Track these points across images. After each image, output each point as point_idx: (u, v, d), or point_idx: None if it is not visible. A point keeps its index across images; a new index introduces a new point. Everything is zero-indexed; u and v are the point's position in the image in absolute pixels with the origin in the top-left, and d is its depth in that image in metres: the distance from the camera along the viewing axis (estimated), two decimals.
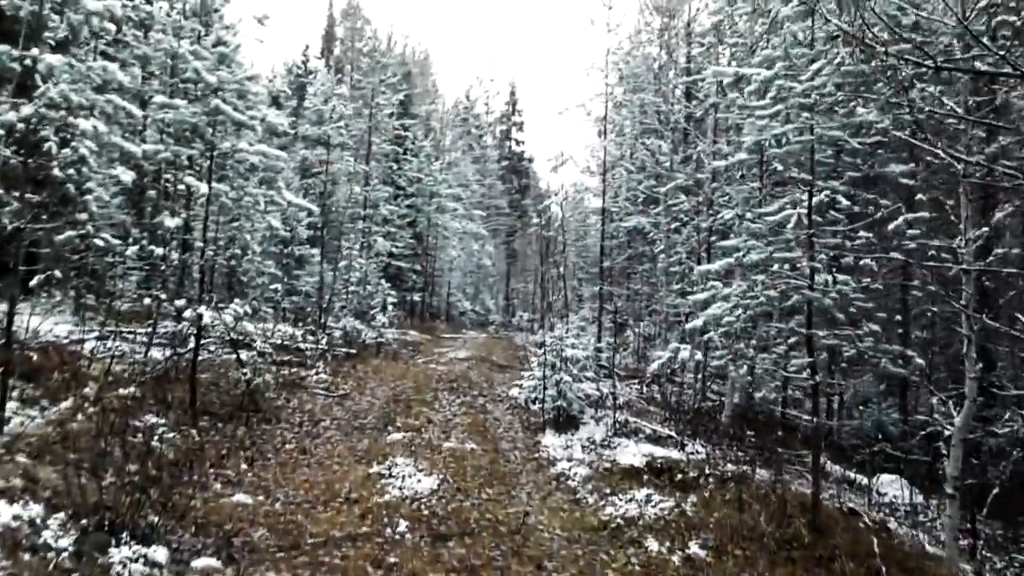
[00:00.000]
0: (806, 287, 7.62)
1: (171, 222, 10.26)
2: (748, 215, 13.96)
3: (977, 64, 6.13)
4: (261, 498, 8.57)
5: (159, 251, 10.44)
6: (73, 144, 8.36)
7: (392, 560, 7.03)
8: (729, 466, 11.26)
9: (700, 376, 14.61)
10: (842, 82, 7.06)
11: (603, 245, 22.02)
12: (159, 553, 6.30)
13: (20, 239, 8.14)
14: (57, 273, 9.54)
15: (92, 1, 8.63)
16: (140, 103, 16.49)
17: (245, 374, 11.53)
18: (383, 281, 24.34)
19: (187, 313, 10.24)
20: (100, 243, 9.94)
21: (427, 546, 7.50)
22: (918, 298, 15.58)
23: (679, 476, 10.55)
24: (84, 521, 6.69)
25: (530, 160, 66.24)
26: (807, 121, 7.29)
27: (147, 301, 11.63)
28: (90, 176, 9.16)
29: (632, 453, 11.57)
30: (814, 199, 8.28)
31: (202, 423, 10.81)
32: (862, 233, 8.11)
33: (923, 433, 9.59)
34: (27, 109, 7.35)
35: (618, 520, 8.56)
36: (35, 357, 11.28)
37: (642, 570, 7.35)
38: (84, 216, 9.60)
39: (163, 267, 11.88)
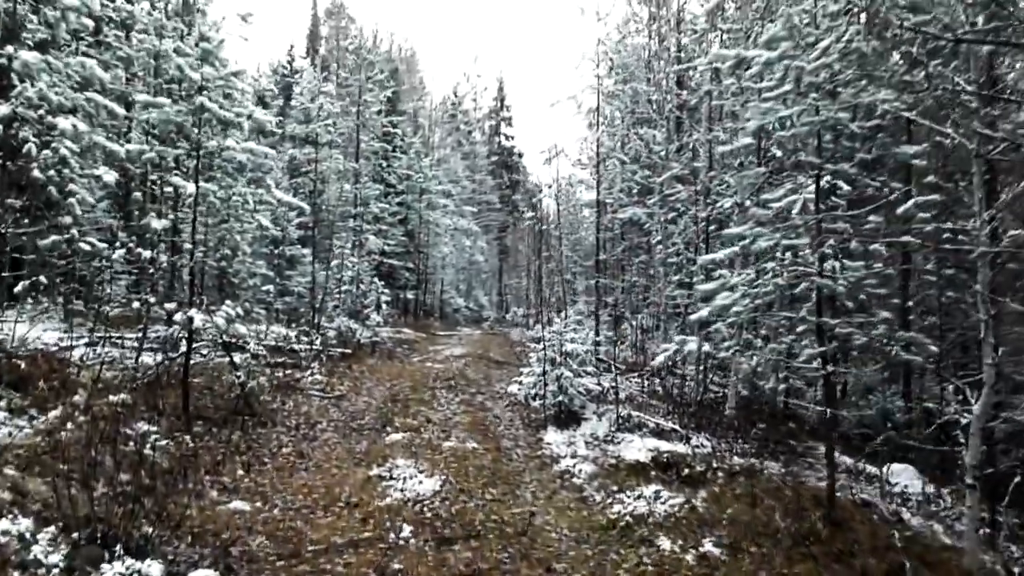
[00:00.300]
0: (815, 274, 7.40)
1: (157, 224, 9.95)
2: (750, 202, 13.76)
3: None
4: (259, 504, 8.31)
5: (146, 254, 10.13)
6: (53, 145, 8.04)
7: (396, 566, 6.78)
8: (736, 459, 11.05)
9: (702, 368, 14.38)
10: (850, 61, 6.82)
11: (599, 237, 21.78)
12: (154, 568, 6.03)
13: (2, 244, 7.85)
14: (43, 279, 9.20)
15: None
16: (125, 105, 16.17)
17: (239, 377, 11.25)
18: (376, 280, 24.05)
19: (177, 316, 9.96)
20: (86, 247, 9.61)
21: (432, 550, 7.25)
22: (919, 283, 15.42)
23: (686, 471, 10.32)
24: (75, 535, 6.41)
25: (520, 155, 65.97)
26: (815, 101, 7.06)
27: (136, 305, 11.26)
28: (72, 178, 8.86)
29: (637, 448, 11.34)
30: (809, 183, 8.11)
31: (196, 428, 10.52)
32: (871, 217, 7.89)
33: (939, 421, 9.36)
34: (3, 109, 7.04)
35: (627, 518, 8.32)
36: (23, 365, 10.98)
37: (655, 570, 7.12)
38: (68, 220, 9.25)
39: (151, 270, 11.54)
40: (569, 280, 29.47)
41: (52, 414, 9.56)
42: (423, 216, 37.75)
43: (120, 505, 7.38)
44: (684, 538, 7.75)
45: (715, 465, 10.53)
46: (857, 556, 7.22)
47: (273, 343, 17.09)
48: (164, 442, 9.47)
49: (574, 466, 10.61)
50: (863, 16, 7.01)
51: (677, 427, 12.79)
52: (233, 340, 12.31)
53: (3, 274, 10.73)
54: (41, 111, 7.29)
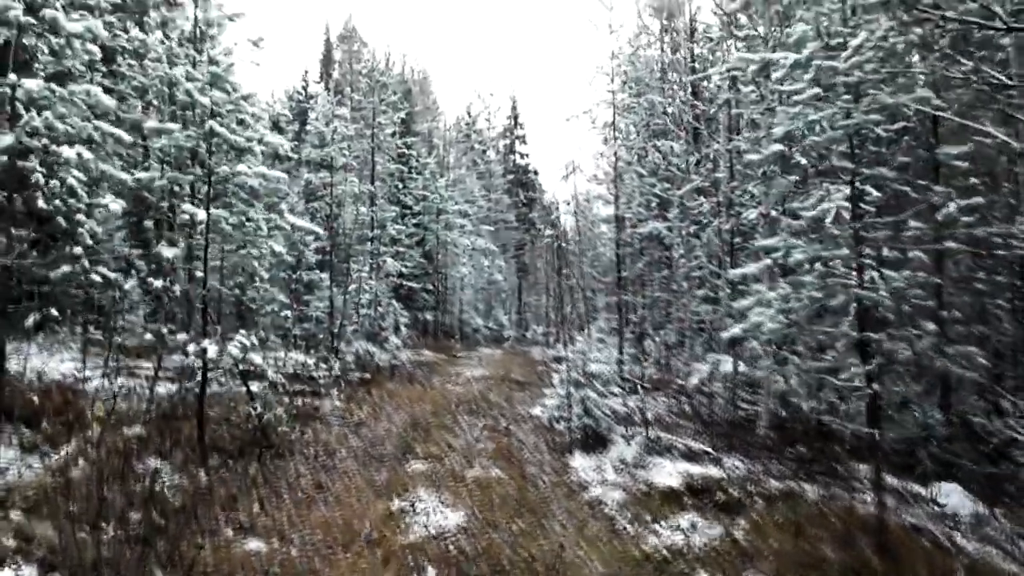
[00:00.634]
0: (856, 285, 6.97)
1: (169, 252, 9.70)
2: (775, 211, 13.32)
3: None
4: (276, 543, 7.95)
5: (157, 283, 9.88)
6: (61, 175, 7.80)
7: None
8: (773, 482, 10.56)
9: (731, 386, 13.90)
10: (884, 59, 6.45)
11: (618, 253, 21.35)
12: None
13: (7, 276, 7.60)
14: (54, 311, 8.96)
15: (71, 23, 8.09)
16: (141, 135, 16.06)
17: (255, 408, 10.93)
18: (394, 302, 23.80)
19: (191, 348, 9.67)
20: (97, 278, 9.36)
21: None
22: (952, 291, 14.87)
23: (721, 496, 9.86)
24: None
25: (535, 172, 65.79)
26: (846, 104, 6.67)
27: (148, 336, 11.01)
28: (80, 208, 8.64)
29: (668, 472, 10.89)
30: (844, 190, 7.70)
31: (211, 462, 10.21)
32: (912, 223, 7.46)
33: (998, 439, 8.83)
34: (7, 139, 6.80)
35: (663, 552, 7.87)
36: (36, 400, 10.75)
37: None
38: (79, 250, 9.02)
39: (165, 299, 11.29)
40: (589, 297, 29.04)
41: (64, 451, 9.30)
42: (440, 237, 37.53)
43: (130, 547, 7.07)
44: (725, 573, 7.29)
45: (751, 489, 10.06)
46: None
47: (291, 370, 16.82)
48: (177, 478, 9.21)
49: (603, 493, 10.18)
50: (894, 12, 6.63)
51: (708, 449, 12.31)
52: (252, 368, 12.03)
53: (19, 305, 10.52)
54: (46, 141, 7.07)
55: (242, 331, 10.28)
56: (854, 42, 6.40)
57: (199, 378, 10.84)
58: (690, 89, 20.08)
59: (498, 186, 56.52)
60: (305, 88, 53.83)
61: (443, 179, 38.93)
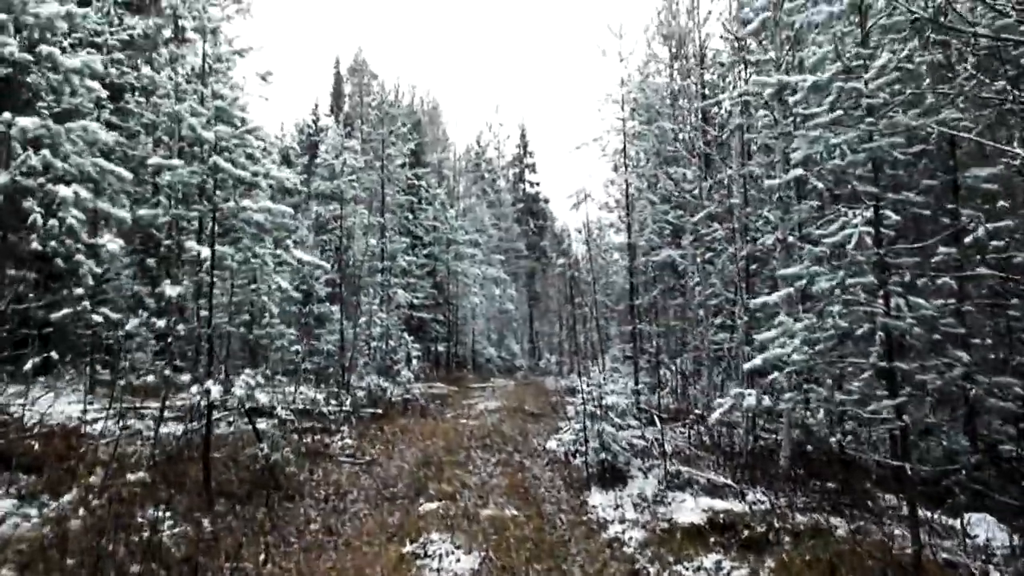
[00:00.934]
0: (883, 314, 6.65)
1: (173, 290, 9.50)
2: (792, 237, 13.01)
3: None
4: None
5: (160, 323, 9.66)
6: (60, 215, 7.61)
7: None
8: (799, 516, 10.14)
9: (750, 416, 13.50)
10: (908, 80, 6.20)
11: (632, 282, 21.06)
12: None
13: (5, 319, 7.40)
14: (54, 354, 8.74)
15: (69, 59, 7.97)
16: (147, 172, 16.01)
17: (262, 449, 10.64)
18: (406, 334, 23.52)
19: (193, 389, 9.41)
20: (99, 318, 9.15)
21: None
22: (976, 316, 14.47)
23: (745, 532, 9.46)
24: None
25: (546, 201, 65.69)
26: (870, 126, 6.40)
27: (151, 378, 10.78)
28: (78, 248, 8.46)
29: (690, 508, 10.49)
30: (866, 215, 7.40)
31: (218, 507, 9.89)
32: (941, 249, 7.15)
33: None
34: (2, 178, 6.63)
35: None
36: (36, 445, 10.50)
37: None
38: (80, 291, 8.81)
39: (169, 339, 11.07)
40: (602, 325, 28.70)
41: (64, 499, 9.02)
42: (451, 267, 37.38)
43: None
44: None
45: (777, 525, 9.65)
46: None
47: (301, 406, 16.54)
48: (181, 526, 8.90)
49: (623, 532, 9.79)
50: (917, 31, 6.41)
51: (730, 481, 11.92)
52: (262, 406, 11.78)
53: (20, 349, 10.34)
54: (42, 179, 6.90)
55: (247, 370, 10.03)
56: (877, 63, 6.15)
57: (204, 419, 10.58)
58: (701, 115, 19.89)
59: (508, 215, 56.49)
60: (315, 121, 54.20)
61: (453, 209, 38.88)
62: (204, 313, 10.02)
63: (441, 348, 37.66)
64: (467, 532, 9.57)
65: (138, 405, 14.79)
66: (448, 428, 18.09)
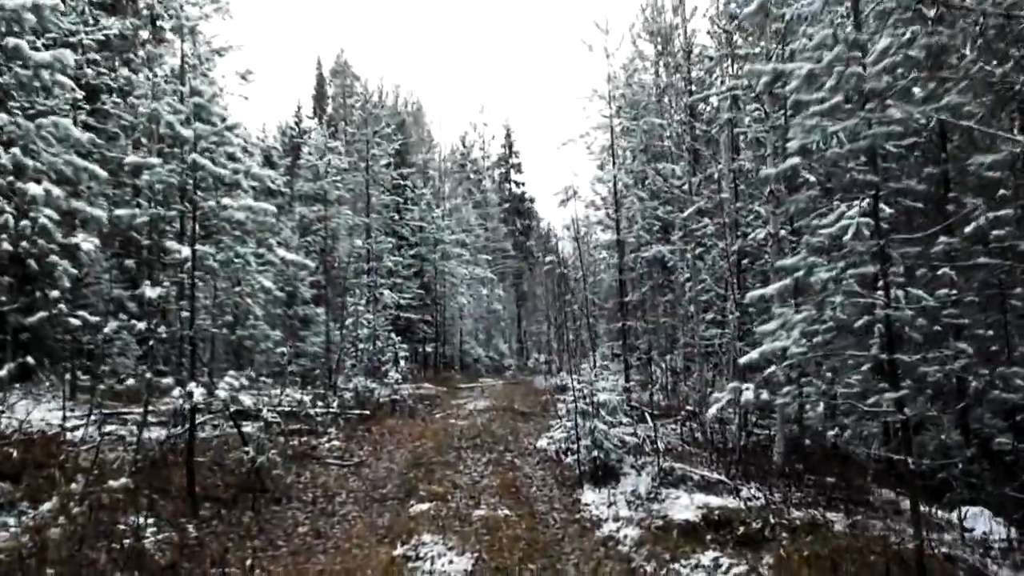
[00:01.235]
0: (885, 305, 6.51)
1: (152, 292, 9.24)
2: (784, 231, 12.91)
3: None
4: None
5: (140, 325, 9.40)
6: (32, 215, 7.35)
7: None
8: (795, 512, 10.02)
9: (743, 412, 13.38)
10: (911, 64, 6.07)
11: (621, 279, 20.93)
12: None
13: None
14: (30, 359, 8.47)
15: (38, 53, 7.69)
16: (126, 173, 15.70)
17: (248, 452, 10.41)
18: (393, 335, 23.28)
19: (176, 392, 9.16)
20: (76, 321, 8.88)
21: None
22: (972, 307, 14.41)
23: (741, 529, 9.31)
24: None
25: (531, 200, 65.57)
26: (869, 113, 6.27)
27: (132, 382, 10.51)
28: (52, 248, 8.18)
29: (684, 505, 10.34)
30: (863, 205, 7.28)
31: (203, 512, 9.65)
32: (942, 239, 7.01)
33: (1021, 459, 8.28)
34: None
35: None
36: (14, 453, 10.22)
37: None
38: (56, 294, 8.54)
39: (152, 342, 10.81)
40: (591, 324, 28.57)
41: (44, 507, 8.74)
42: (438, 267, 37.16)
43: None
44: None
45: (773, 521, 9.51)
46: None
47: (288, 409, 16.29)
48: (165, 532, 8.65)
49: (618, 530, 9.63)
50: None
51: (724, 478, 11.78)
52: (248, 408, 11.54)
53: None
54: (11, 177, 6.65)
55: (231, 371, 9.79)
56: (878, 46, 6.01)
57: (188, 423, 10.33)
58: (688, 111, 19.80)
59: (494, 215, 56.31)
60: (298, 123, 53.79)
61: (439, 209, 38.64)
62: (186, 315, 9.77)
63: (429, 349, 37.45)
64: (459, 533, 9.37)
65: (120, 410, 14.51)
66: (437, 428, 17.88)
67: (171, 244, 9.18)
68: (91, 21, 18.59)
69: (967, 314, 8.11)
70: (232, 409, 10.81)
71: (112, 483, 9.79)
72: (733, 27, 14.86)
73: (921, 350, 7.29)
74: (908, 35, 5.96)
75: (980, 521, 10.87)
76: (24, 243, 7.51)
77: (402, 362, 22.42)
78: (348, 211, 27.58)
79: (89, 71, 17.40)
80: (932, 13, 6.10)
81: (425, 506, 10.67)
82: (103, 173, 9.35)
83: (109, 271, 17.64)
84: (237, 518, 9.68)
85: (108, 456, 11.37)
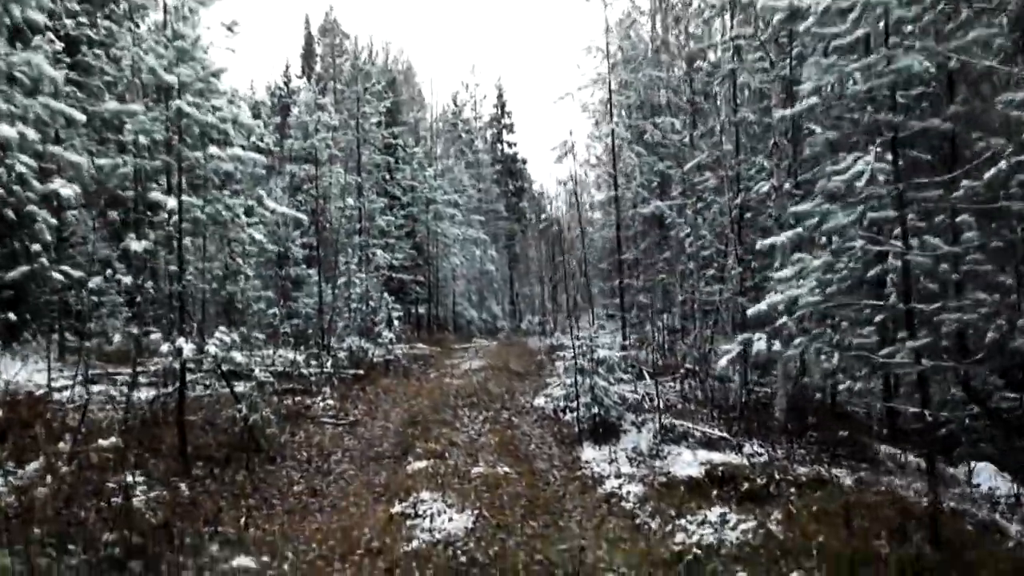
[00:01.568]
0: (904, 252, 6.23)
1: (137, 246, 8.87)
2: (788, 183, 12.58)
3: None
4: (266, 559, 7.18)
5: (127, 280, 9.04)
6: (8, 161, 6.95)
7: None
8: (800, 468, 9.88)
9: (745, 367, 13.19)
10: None
11: (619, 235, 20.60)
12: None
13: None
14: (11, 316, 8.12)
15: None
16: (109, 126, 15.15)
17: (240, 411, 10.14)
18: (386, 295, 22.93)
19: (164, 348, 8.85)
20: (59, 276, 8.52)
21: None
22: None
23: (745, 485, 9.18)
24: None
25: (524, 161, 64.70)
26: (892, 50, 5.91)
27: (118, 338, 10.18)
28: (30, 196, 7.77)
29: (687, 462, 10.19)
30: (877, 150, 6.96)
31: (196, 471, 9.42)
32: (964, 183, 6.69)
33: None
34: None
35: (694, 550, 7.11)
36: (0, 413, 9.91)
37: None
38: (37, 247, 8.16)
39: (138, 298, 10.47)
40: (586, 283, 28.31)
41: (30, 467, 8.49)
42: (430, 227, 36.65)
43: (101, 573, 6.32)
44: (768, 573, 6.57)
45: (778, 477, 9.38)
46: None
47: (281, 369, 16.00)
48: (157, 491, 8.41)
49: (620, 487, 9.45)
50: None
51: (726, 435, 11.62)
52: (238, 368, 11.26)
53: None
54: None
55: (222, 328, 9.48)
56: None
57: (178, 382, 10.04)
58: (688, 62, 19.30)
59: (487, 176, 55.52)
60: (287, 83, 52.65)
61: (431, 169, 38.02)
62: (173, 269, 9.42)
63: (422, 310, 37.12)
64: (458, 490, 9.17)
65: (110, 371, 14.19)
66: (433, 388, 17.67)
67: (156, 195, 8.78)
68: None
69: (990, 261, 7.82)
70: (224, 368, 10.53)
71: (101, 442, 9.53)
72: None
73: (937, 299, 7.02)
74: None
75: (984, 476, 10.78)
76: (1, 191, 7.11)
77: (396, 322, 22.11)
78: (339, 170, 27.00)
79: (69, 22, 16.72)
80: None
81: (422, 464, 10.46)
82: (80, 116, 8.89)
83: (95, 228, 17.18)
84: (231, 477, 9.45)
85: (97, 416, 11.10)
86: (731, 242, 14.82)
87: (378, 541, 7.59)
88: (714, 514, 8.00)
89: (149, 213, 14.65)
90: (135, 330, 9.69)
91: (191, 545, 7.28)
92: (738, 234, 14.75)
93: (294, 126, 30.01)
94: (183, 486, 8.67)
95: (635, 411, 12.94)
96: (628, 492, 9.19)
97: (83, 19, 17.61)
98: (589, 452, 11.24)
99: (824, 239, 8.69)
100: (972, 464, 10.29)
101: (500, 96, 63.41)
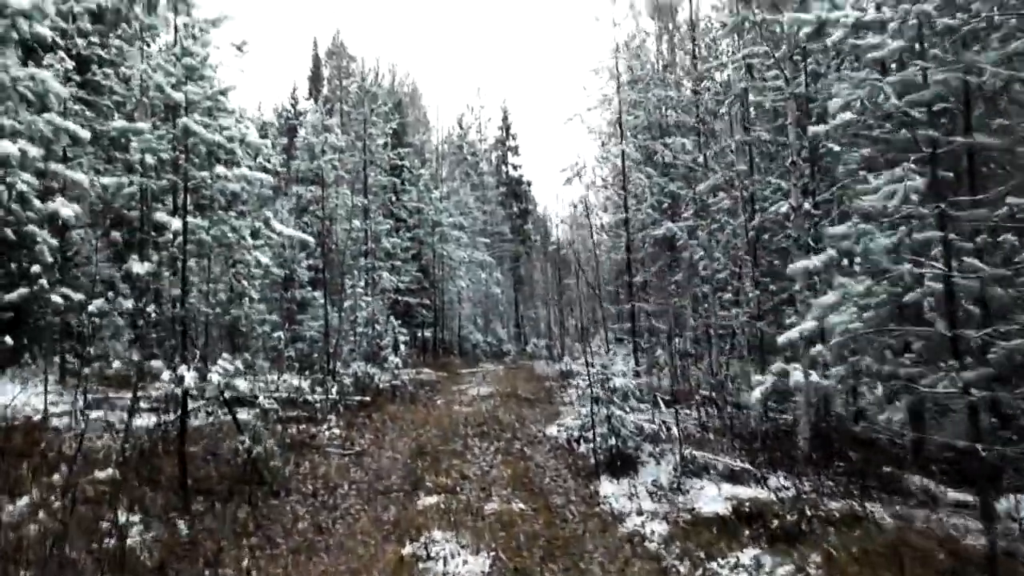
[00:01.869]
0: (949, 274, 5.82)
1: (139, 267, 8.52)
2: (807, 205, 12.20)
3: None
4: None
5: (128, 304, 8.66)
6: (8, 179, 6.60)
7: None
8: (832, 503, 9.38)
9: (763, 397, 12.70)
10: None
11: (629, 258, 20.23)
12: None
13: None
14: (8, 339, 7.74)
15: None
16: (117, 145, 14.88)
17: (243, 441, 9.71)
18: (392, 319, 22.55)
19: (165, 376, 8.45)
20: (59, 299, 8.13)
21: None
22: None
23: (775, 522, 8.65)
24: None
25: (529, 184, 64.56)
26: (940, 59, 5.55)
27: (117, 365, 9.79)
28: (30, 216, 7.42)
29: (711, 497, 9.70)
30: (913, 167, 6.58)
31: (195, 506, 8.96)
32: (1010, 199, 6.29)
33: None
34: None
35: None
36: None
37: None
38: (37, 269, 7.79)
39: (140, 322, 10.09)
40: (594, 306, 27.86)
41: (21, 501, 8.06)
42: (436, 250, 36.35)
43: None
44: None
45: (809, 513, 8.85)
46: None
47: (285, 395, 15.57)
48: (155, 529, 7.96)
49: (642, 525, 8.96)
50: None
51: (749, 466, 11.13)
52: (240, 396, 10.84)
53: None
54: None
55: (225, 355, 9.08)
56: None
57: (181, 410, 9.63)
58: (698, 81, 19.02)
59: (492, 198, 55.36)
60: (294, 105, 52.62)
61: (437, 191, 37.78)
62: (177, 292, 9.04)
63: (428, 333, 36.73)
64: (472, 529, 8.70)
65: (111, 395, 13.77)
66: (441, 415, 17.21)
67: (160, 216, 8.43)
68: None
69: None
70: (227, 395, 10.11)
71: (98, 474, 9.12)
72: None
73: (980, 325, 6.59)
74: None
75: None
76: (0, 211, 6.77)
77: (402, 347, 21.72)
78: (346, 191, 26.74)
79: (80, 41, 16.51)
80: None
81: (433, 499, 10.00)
82: (85, 134, 8.56)
83: (97, 249, 16.83)
84: (232, 513, 8.98)
85: (95, 444, 10.69)
86: (746, 264, 14.41)
87: None
88: (747, 556, 7.52)
89: (154, 234, 14.39)
90: (136, 356, 9.26)
91: None
92: (754, 256, 14.35)
93: (301, 147, 29.80)
94: (181, 523, 8.22)
95: (652, 441, 12.47)
96: (652, 531, 8.69)
97: (94, 39, 17.44)
98: (607, 486, 10.75)
99: (848, 262, 8.32)
100: (1018, 498, 9.74)
101: (505, 118, 63.37)
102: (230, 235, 9.19)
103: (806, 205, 12.19)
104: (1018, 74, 6.27)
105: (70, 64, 14.34)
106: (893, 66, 6.97)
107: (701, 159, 16.92)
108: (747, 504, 9.22)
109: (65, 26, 16.70)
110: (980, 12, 5.48)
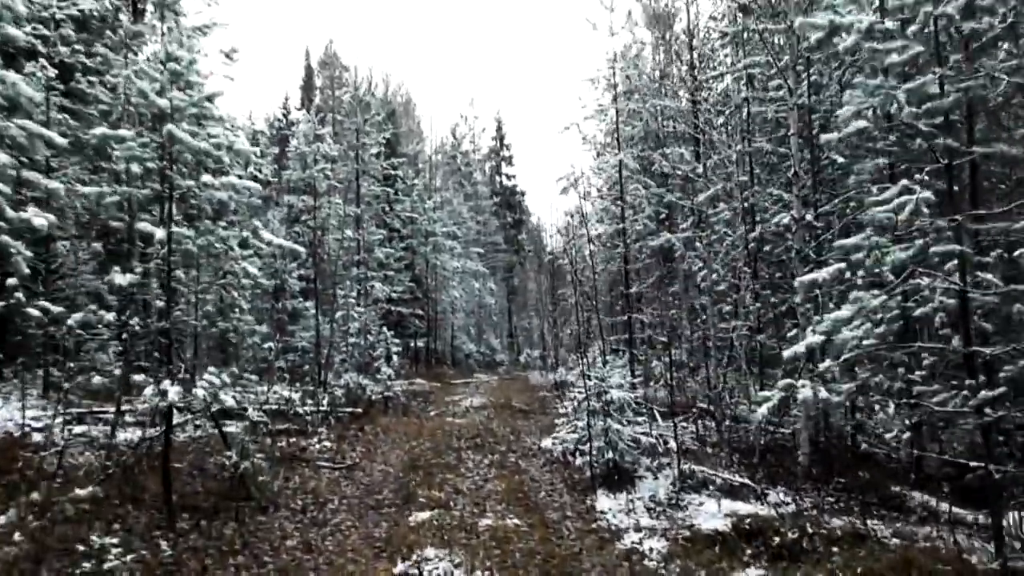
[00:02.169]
0: (965, 290, 5.62)
1: (122, 279, 8.24)
2: (809, 215, 12.03)
3: None
4: None
5: (109, 316, 8.40)
6: None
7: None
8: (834, 520, 9.17)
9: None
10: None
11: (626, 268, 20.03)
12: None
13: None
14: None
15: None
16: (103, 155, 14.61)
17: (230, 456, 9.43)
18: (384, 329, 22.27)
19: (148, 390, 8.17)
20: (35, 312, 7.86)
21: None
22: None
23: (776, 539, 8.44)
24: None
25: (523, 194, 64.57)
26: (956, 65, 5.39)
27: (98, 379, 9.51)
28: (1, 227, 7.16)
29: (710, 513, 9.49)
30: (923, 179, 6.39)
31: (180, 524, 8.67)
32: None
33: None
34: None
35: None
36: None
37: None
38: (13, 281, 7.53)
39: (123, 335, 9.81)
40: (589, 317, 27.64)
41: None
42: (429, 260, 36.12)
43: None
44: None
45: (810, 530, 8.64)
46: None
47: (275, 407, 15.28)
48: (136, 551, 7.66)
49: (641, 542, 8.72)
50: None
51: (748, 481, 10.92)
52: (227, 409, 10.56)
53: None
54: None
55: (211, 368, 8.81)
56: None
57: (165, 425, 9.34)
58: (696, 92, 18.89)
59: (485, 208, 55.26)
60: (286, 115, 52.51)
61: (430, 201, 37.58)
62: (161, 304, 8.77)
63: (420, 344, 36.43)
64: (466, 546, 8.44)
65: (95, 409, 13.47)
66: (434, 427, 16.94)
67: (144, 226, 8.17)
68: None
69: None
70: (214, 409, 9.83)
71: (79, 491, 8.83)
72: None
73: (991, 341, 6.39)
74: None
75: None
76: None
77: (394, 357, 21.43)
78: (338, 201, 26.48)
79: (64, 49, 16.23)
80: None
81: (426, 515, 9.74)
82: (61, 140, 8.29)
83: (84, 261, 16.54)
84: (218, 530, 8.70)
85: (77, 460, 10.41)
86: (745, 276, 14.23)
87: None
88: None
89: (141, 244, 14.11)
90: (119, 369, 8.98)
91: None
92: (754, 268, 14.17)
93: (292, 157, 29.52)
94: (164, 544, 7.91)
95: (650, 455, 12.24)
96: (651, 548, 8.45)
97: (79, 46, 17.16)
98: (604, 501, 10.51)
99: (854, 275, 8.13)
100: (1022, 515, 9.54)
101: (499, 129, 63.46)
102: (218, 245, 8.92)
103: (808, 217, 12.02)
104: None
105: (52, 72, 14.06)
106: (909, 71, 6.79)
107: (700, 169, 16.76)
108: (747, 521, 9.00)
109: (47, 32, 16.42)
110: (1007, 16, 5.29)
